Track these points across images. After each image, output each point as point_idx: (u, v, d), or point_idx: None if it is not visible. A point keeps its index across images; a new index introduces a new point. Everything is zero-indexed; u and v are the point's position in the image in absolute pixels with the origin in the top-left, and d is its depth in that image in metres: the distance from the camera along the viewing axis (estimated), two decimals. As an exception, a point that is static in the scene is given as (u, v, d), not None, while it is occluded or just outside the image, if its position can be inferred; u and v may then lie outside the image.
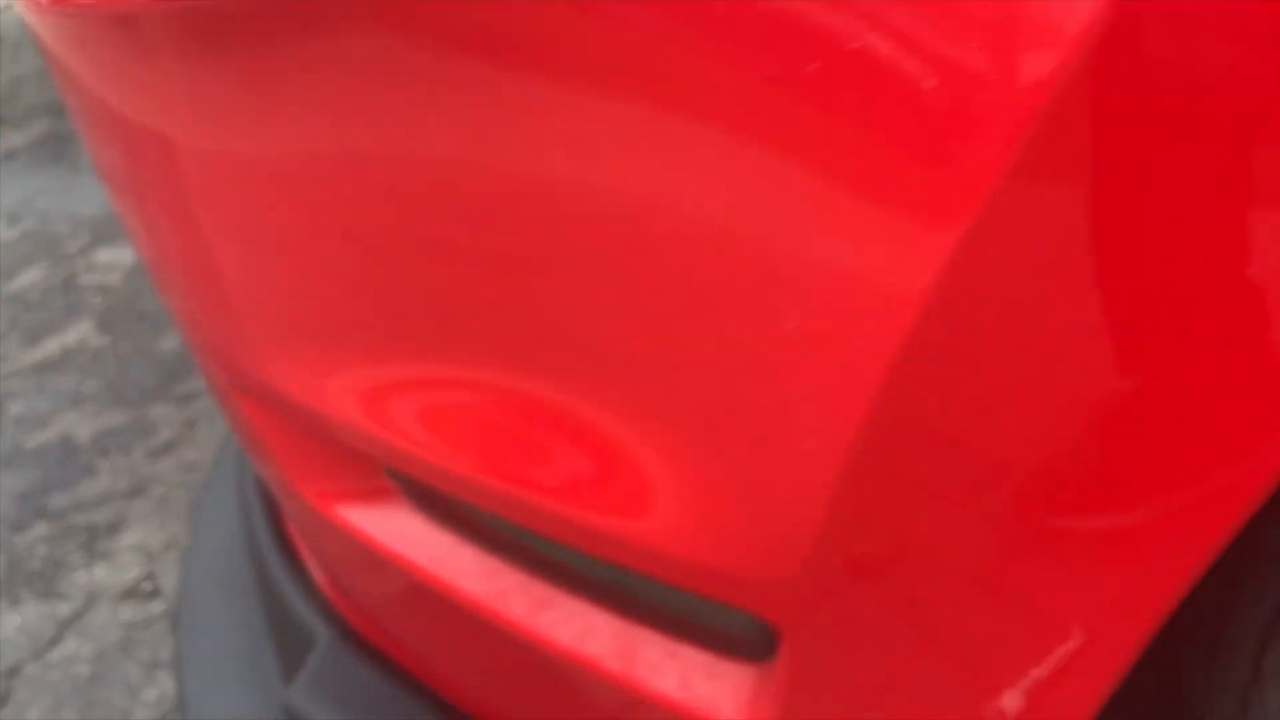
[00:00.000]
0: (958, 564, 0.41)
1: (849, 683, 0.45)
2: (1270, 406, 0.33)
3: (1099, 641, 0.41)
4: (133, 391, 2.05)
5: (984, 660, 0.44)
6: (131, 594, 1.59)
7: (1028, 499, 0.38)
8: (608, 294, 0.40)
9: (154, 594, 1.58)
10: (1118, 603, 0.40)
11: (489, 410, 0.50)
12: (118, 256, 2.58)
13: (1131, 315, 0.34)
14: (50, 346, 2.25)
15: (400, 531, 0.66)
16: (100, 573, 1.63)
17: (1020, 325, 0.35)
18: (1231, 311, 0.32)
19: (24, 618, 1.58)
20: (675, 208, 0.37)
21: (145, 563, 1.64)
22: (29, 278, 2.55)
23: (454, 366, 0.52)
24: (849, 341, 0.35)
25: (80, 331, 2.29)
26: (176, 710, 1.40)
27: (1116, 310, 0.34)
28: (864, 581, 0.42)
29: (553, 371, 0.44)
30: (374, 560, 0.68)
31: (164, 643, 1.49)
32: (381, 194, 0.50)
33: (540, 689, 0.62)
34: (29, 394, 2.10)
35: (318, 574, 0.82)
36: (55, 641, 1.53)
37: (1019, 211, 0.32)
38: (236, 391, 0.70)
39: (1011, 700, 0.44)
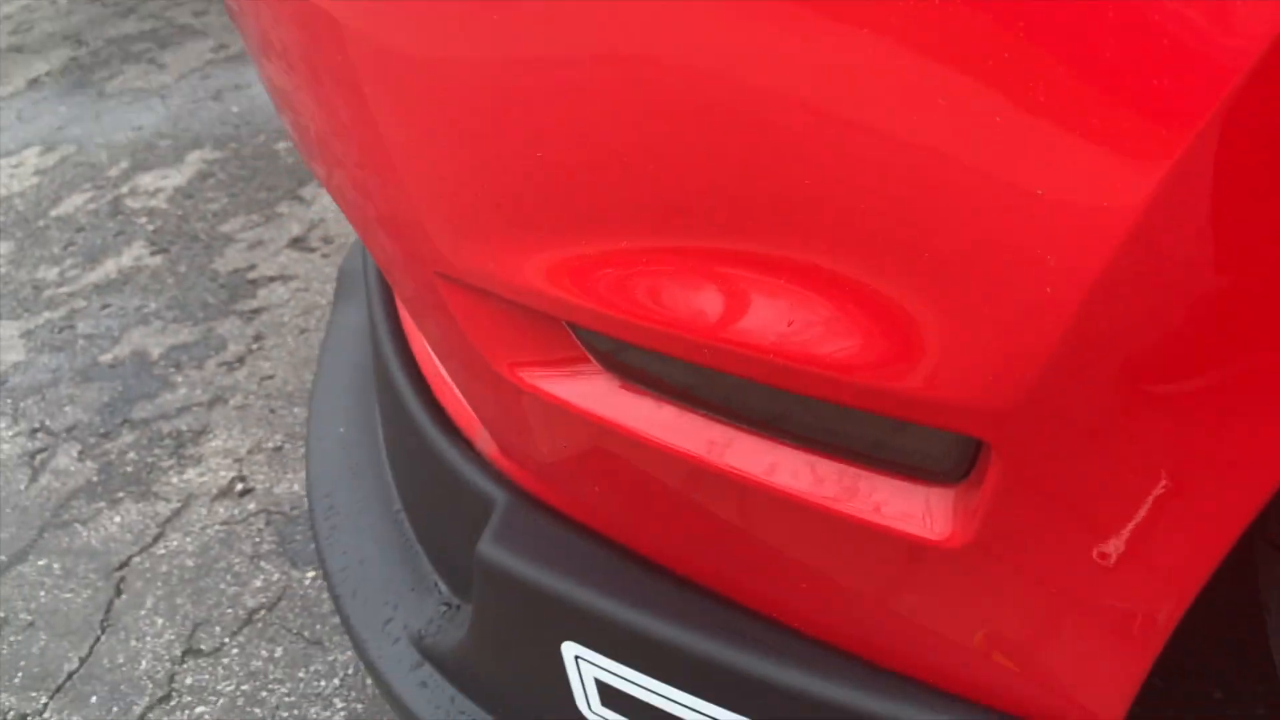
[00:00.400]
0: (1134, 409, 0.52)
1: (1041, 496, 0.56)
2: None
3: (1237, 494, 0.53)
4: (197, 308, 2.14)
5: (1149, 495, 0.55)
6: (225, 494, 1.69)
7: (1193, 370, 0.49)
8: (864, 170, 0.50)
9: (247, 493, 1.68)
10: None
11: (718, 274, 0.59)
12: (161, 181, 2.64)
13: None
14: (108, 267, 2.32)
15: (595, 393, 0.76)
16: (192, 475, 1.73)
17: (1213, 235, 0.45)
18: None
19: (124, 517, 1.68)
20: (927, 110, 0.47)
21: (235, 466, 1.74)
22: (74, 202, 2.61)
23: (676, 236, 0.61)
24: (1091, 212, 0.46)
25: (135, 253, 2.36)
26: (282, 599, 1.51)
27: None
28: (1068, 411, 0.52)
29: (795, 233, 0.54)
30: (563, 421, 0.78)
31: (264, 536, 1.60)
32: (612, 92, 0.59)
33: (733, 530, 0.72)
34: (94, 313, 2.18)
35: (487, 448, 0.92)
36: (159, 538, 1.63)
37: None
38: (432, 277, 0.79)
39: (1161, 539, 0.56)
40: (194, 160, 2.71)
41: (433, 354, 1.01)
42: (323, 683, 1.38)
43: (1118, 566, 0.59)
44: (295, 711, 1.35)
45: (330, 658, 1.41)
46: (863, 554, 0.65)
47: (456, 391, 0.98)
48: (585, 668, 0.80)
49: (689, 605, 0.75)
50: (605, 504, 0.82)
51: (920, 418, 0.55)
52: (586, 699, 0.82)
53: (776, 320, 0.58)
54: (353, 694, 1.35)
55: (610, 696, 0.80)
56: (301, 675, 1.39)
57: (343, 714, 1.33)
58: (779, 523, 0.69)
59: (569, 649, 0.81)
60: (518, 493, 0.89)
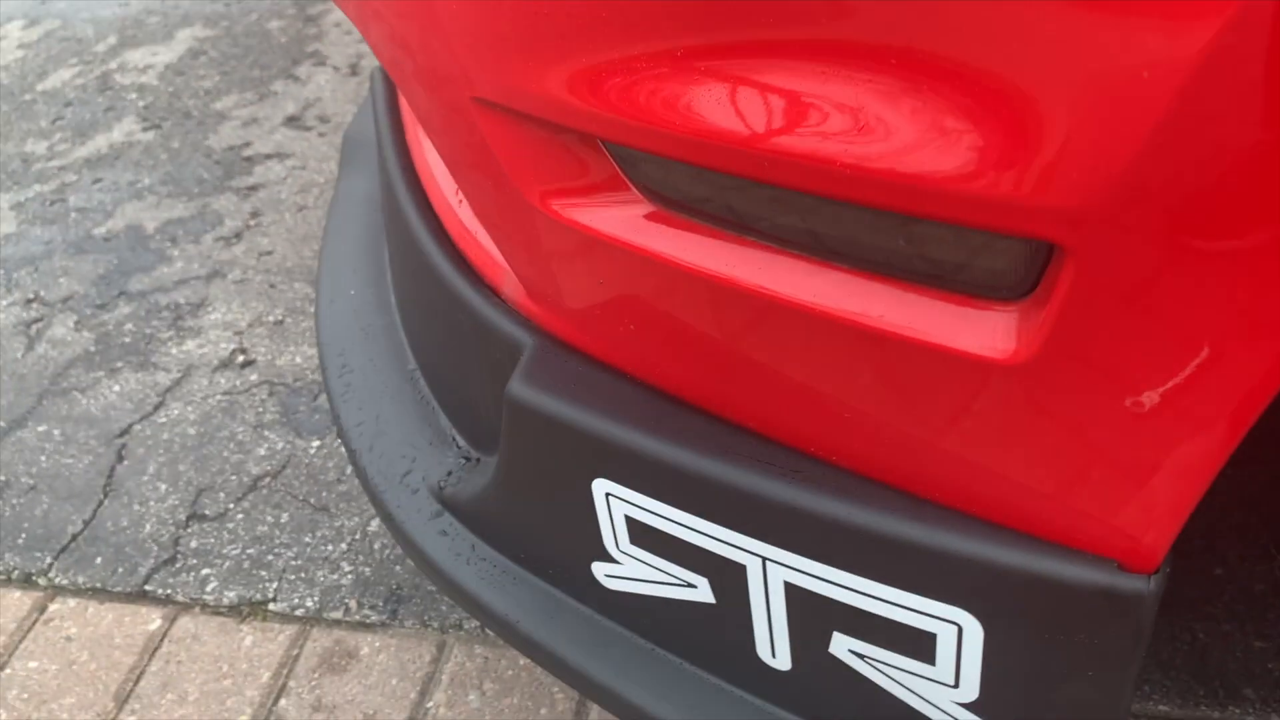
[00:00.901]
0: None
1: (1104, 314, 0.55)
2: None
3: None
4: (192, 184, 2.10)
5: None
6: (226, 365, 1.67)
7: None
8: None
9: (249, 364, 1.67)
10: None
11: (780, 78, 0.58)
12: (150, 58, 2.58)
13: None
14: (99, 142, 2.27)
15: (629, 220, 0.74)
16: (191, 346, 1.72)
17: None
18: None
19: (124, 386, 1.66)
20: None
21: (235, 338, 1.72)
22: (61, 77, 2.55)
23: (727, 27, 0.59)
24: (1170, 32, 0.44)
25: (126, 128, 2.31)
26: (287, 467, 1.50)
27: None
28: (1143, 223, 0.51)
29: (868, 28, 0.52)
30: (595, 253, 0.76)
31: (267, 407, 1.59)
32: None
33: (775, 362, 0.71)
34: (86, 187, 2.14)
35: (514, 294, 0.91)
36: (160, 406, 1.62)
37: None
38: (469, 105, 0.77)
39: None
40: (184, 38, 2.64)
41: (460, 200, 0.99)
42: (329, 547, 1.38)
43: (1173, 391, 0.59)
44: (303, 574, 1.35)
45: (337, 523, 1.41)
46: (917, 380, 0.65)
47: (483, 240, 0.96)
48: (616, 505, 0.80)
49: (726, 438, 0.75)
50: (638, 342, 0.81)
51: (998, 223, 0.54)
52: (615, 537, 0.82)
53: (845, 121, 0.56)
54: (360, 558, 1.36)
55: (640, 533, 0.80)
56: (308, 540, 1.39)
57: (350, 577, 1.34)
58: (827, 351, 0.68)
59: (600, 486, 0.80)
60: (546, 336, 0.88)
